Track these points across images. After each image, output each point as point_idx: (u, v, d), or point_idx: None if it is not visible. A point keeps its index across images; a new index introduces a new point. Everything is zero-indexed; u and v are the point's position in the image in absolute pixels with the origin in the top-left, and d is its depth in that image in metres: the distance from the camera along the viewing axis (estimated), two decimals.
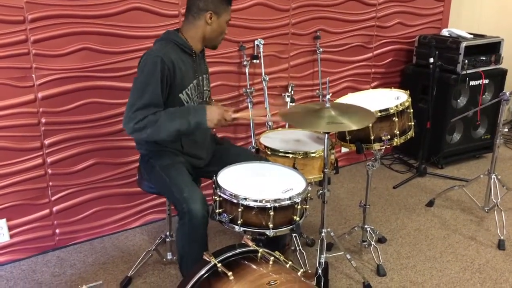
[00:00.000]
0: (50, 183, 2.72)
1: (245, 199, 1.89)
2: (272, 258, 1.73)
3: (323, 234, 2.31)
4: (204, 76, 2.31)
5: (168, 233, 2.62)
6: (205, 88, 2.31)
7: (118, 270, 2.66)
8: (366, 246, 2.76)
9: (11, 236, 2.69)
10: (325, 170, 2.19)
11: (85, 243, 2.92)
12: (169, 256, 2.67)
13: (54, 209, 2.77)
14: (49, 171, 2.69)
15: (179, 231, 2.09)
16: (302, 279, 1.69)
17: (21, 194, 2.64)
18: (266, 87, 3.25)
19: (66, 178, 2.76)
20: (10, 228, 2.67)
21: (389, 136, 2.42)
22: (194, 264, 2.00)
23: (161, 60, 2.03)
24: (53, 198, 2.75)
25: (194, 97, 2.22)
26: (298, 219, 1.97)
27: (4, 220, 2.63)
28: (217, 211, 1.99)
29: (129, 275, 2.55)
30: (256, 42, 3.21)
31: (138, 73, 2.10)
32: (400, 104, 2.42)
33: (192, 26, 2.17)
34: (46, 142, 2.64)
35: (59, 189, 2.75)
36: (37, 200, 2.70)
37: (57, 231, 2.82)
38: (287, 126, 3.20)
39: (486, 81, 3.84)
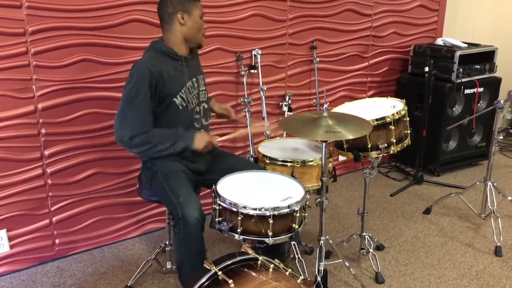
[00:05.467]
0: (50, 193, 2.73)
1: (245, 207, 1.91)
2: (272, 265, 1.74)
3: (321, 242, 2.33)
4: (199, 77, 2.36)
5: (167, 242, 2.63)
6: (201, 89, 2.35)
7: (118, 280, 2.66)
8: (364, 253, 2.78)
9: (11, 247, 2.69)
10: (323, 178, 2.21)
11: (84, 253, 2.92)
12: (168, 265, 2.68)
13: (54, 219, 2.78)
14: (49, 181, 2.71)
15: (175, 238, 2.12)
16: (302, 286, 1.70)
17: (21, 205, 2.66)
18: (263, 97, 3.28)
19: (66, 188, 2.77)
20: (10, 239, 2.67)
21: (386, 144, 2.45)
22: (192, 270, 2.05)
23: (148, 71, 2.10)
24: (53, 208, 2.76)
25: (190, 99, 2.27)
26: (297, 227, 1.99)
27: (4, 230, 2.64)
28: (216, 219, 2.01)
29: (129, 284, 2.56)
30: (253, 52, 3.24)
31: (126, 83, 2.16)
32: (397, 113, 2.45)
33: (170, 33, 2.24)
34: (46, 152, 2.66)
35: (59, 199, 2.77)
36: (37, 211, 2.71)
37: (56, 241, 2.83)
38: (285, 135, 3.23)
39: (481, 89, 3.89)
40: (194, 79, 2.31)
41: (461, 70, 3.71)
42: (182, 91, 2.23)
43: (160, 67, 2.15)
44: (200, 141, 2.20)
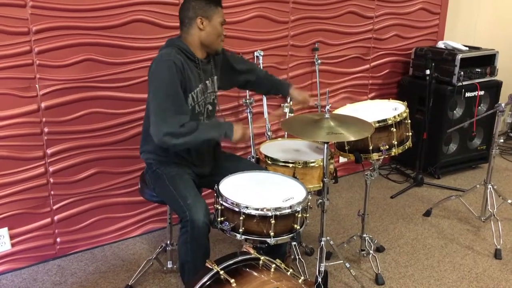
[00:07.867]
0: (52, 192, 2.74)
1: (247, 207, 1.92)
2: (273, 265, 1.75)
3: (322, 243, 2.34)
4: (210, 79, 2.34)
5: (168, 242, 2.64)
6: (209, 91, 2.33)
7: (119, 279, 2.67)
8: (365, 255, 2.79)
9: (13, 245, 2.70)
10: (325, 180, 2.22)
11: (86, 251, 2.93)
12: (169, 265, 2.68)
13: (56, 218, 2.79)
14: (51, 180, 2.72)
15: (180, 239, 2.11)
16: (303, 286, 1.71)
17: (23, 203, 2.67)
18: (265, 98, 3.29)
19: (68, 187, 2.78)
20: (11, 237, 2.68)
21: (387, 146, 2.46)
22: (195, 272, 2.04)
23: (172, 63, 2.08)
24: (54, 207, 2.77)
25: (199, 100, 2.26)
26: (298, 227, 2.00)
27: (5, 229, 2.65)
28: (218, 219, 2.02)
29: (129, 284, 2.57)
30: (255, 54, 3.26)
31: (153, 80, 2.12)
32: (398, 115, 2.46)
33: (188, 36, 2.22)
34: (49, 151, 2.67)
35: (60, 198, 2.78)
36: (38, 209, 2.72)
37: (58, 240, 2.83)
38: (286, 136, 3.24)
39: (482, 92, 3.90)
40: (207, 81, 2.31)
41: (462, 73, 3.72)
42: (195, 90, 2.22)
43: (182, 61, 2.13)
44: (238, 132, 2.20)
